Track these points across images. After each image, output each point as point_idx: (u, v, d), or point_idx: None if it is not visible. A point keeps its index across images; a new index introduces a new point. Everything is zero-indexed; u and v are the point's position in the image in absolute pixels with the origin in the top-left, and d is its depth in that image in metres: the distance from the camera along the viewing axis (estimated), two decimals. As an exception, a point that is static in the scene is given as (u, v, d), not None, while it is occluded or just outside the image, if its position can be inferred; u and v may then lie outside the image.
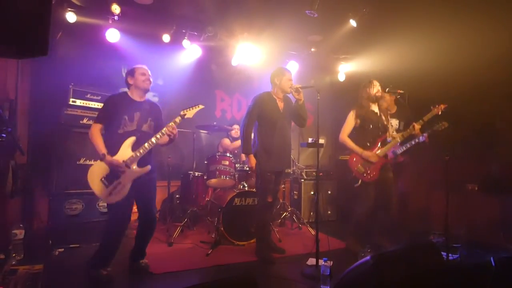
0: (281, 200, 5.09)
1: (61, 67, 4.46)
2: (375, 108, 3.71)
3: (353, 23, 4.59)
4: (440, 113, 3.60)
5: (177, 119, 2.94)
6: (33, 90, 4.27)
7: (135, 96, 2.99)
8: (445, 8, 3.96)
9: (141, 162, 2.88)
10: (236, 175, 4.24)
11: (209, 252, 3.60)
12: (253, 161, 3.46)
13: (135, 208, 4.53)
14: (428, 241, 3.94)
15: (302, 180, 5.44)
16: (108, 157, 2.73)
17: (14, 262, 3.09)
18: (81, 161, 3.80)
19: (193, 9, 4.66)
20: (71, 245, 3.61)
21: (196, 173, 4.58)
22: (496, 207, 3.96)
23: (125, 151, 2.82)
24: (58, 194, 3.66)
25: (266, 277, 3.06)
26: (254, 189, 4.17)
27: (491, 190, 4.05)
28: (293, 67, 5.93)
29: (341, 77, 6.32)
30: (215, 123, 4.71)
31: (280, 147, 3.51)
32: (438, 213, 4.29)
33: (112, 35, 4.60)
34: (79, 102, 3.93)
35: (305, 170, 5.62)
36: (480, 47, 3.80)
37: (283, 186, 5.25)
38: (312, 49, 5.88)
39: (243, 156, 4.75)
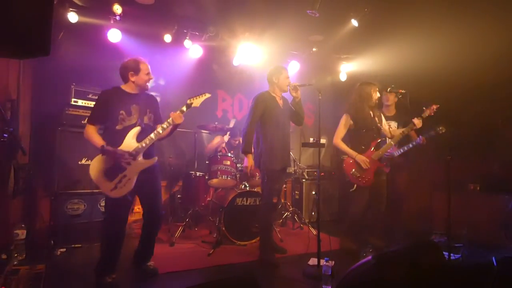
0: (282, 200, 5.09)
1: (63, 67, 4.46)
2: (369, 111, 3.69)
3: (354, 23, 4.58)
4: (433, 114, 3.59)
5: (184, 108, 2.86)
6: (35, 90, 4.28)
7: (130, 90, 2.85)
8: (447, 8, 3.96)
9: (146, 155, 2.77)
10: (238, 175, 4.24)
11: (211, 252, 3.60)
12: (250, 161, 3.43)
13: (135, 208, 4.53)
14: (430, 241, 3.93)
15: (303, 180, 5.44)
16: (108, 147, 2.58)
17: (16, 262, 3.10)
18: (83, 161, 3.81)
19: (194, 9, 4.66)
20: (73, 245, 3.63)
21: (198, 173, 4.58)
22: (498, 206, 3.95)
23: (130, 142, 2.69)
24: (60, 194, 3.66)
25: (267, 277, 3.07)
26: (255, 189, 4.17)
27: (492, 190, 4.04)
28: (295, 67, 5.94)
29: (343, 77, 6.32)
30: (216, 123, 4.72)
31: (283, 144, 3.51)
32: (440, 213, 4.29)
33: (114, 35, 4.61)
34: (81, 102, 3.94)
35: (306, 170, 5.62)
36: (481, 47, 3.80)
37: (284, 186, 5.24)
38: (314, 49, 5.87)
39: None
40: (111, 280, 2.73)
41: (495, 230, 3.89)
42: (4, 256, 3.11)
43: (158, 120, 2.98)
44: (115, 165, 2.64)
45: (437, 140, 3.80)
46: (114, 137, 2.68)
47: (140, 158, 2.73)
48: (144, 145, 2.71)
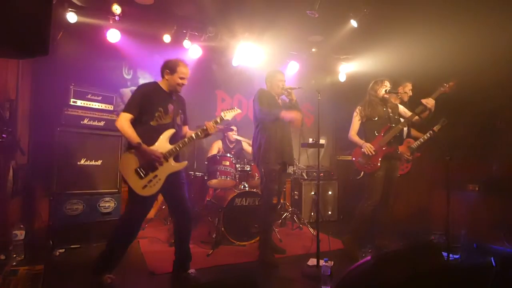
0: (282, 201, 5.09)
1: (62, 67, 4.47)
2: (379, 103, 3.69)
3: (354, 23, 4.59)
4: (448, 91, 3.41)
5: (218, 120, 2.98)
6: (34, 90, 4.28)
7: (165, 87, 2.88)
8: (446, 9, 3.96)
9: (176, 158, 2.81)
10: (237, 176, 4.24)
11: (210, 252, 3.59)
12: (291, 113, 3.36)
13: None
14: (429, 241, 3.93)
15: (302, 180, 5.44)
16: (145, 147, 2.60)
17: (14, 263, 3.09)
18: (82, 162, 3.80)
19: (194, 9, 4.66)
20: (72, 246, 3.61)
21: (197, 173, 4.58)
22: (497, 207, 3.95)
23: (164, 144, 2.73)
24: (58, 194, 3.65)
25: (266, 278, 3.07)
26: (254, 189, 4.17)
27: (492, 191, 4.04)
28: (294, 67, 5.95)
29: (342, 78, 6.33)
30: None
31: (283, 142, 3.50)
32: (439, 213, 4.29)
33: (113, 35, 4.61)
34: (80, 103, 3.93)
35: (305, 170, 5.62)
36: (481, 47, 3.80)
37: (284, 186, 5.25)
38: (313, 50, 5.88)
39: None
40: (110, 281, 2.70)
41: (494, 230, 3.89)
42: (2, 257, 3.10)
43: (185, 121, 3.06)
44: (148, 163, 2.65)
45: (437, 140, 3.80)
46: (148, 133, 2.70)
47: (171, 160, 2.76)
48: (178, 148, 2.77)
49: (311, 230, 4.62)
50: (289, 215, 5.02)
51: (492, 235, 3.88)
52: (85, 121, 3.89)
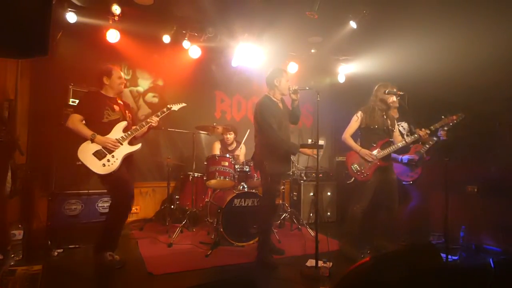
0: (280, 201, 5.09)
1: (61, 67, 4.46)
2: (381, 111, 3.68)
3: (353, 24, 4.59)
4: (452, 123, 3.58)
5: (165, 109, 3.36)
6: (33, 90, 4.27)
7: (109, 93, 3.20)
8: (445, 11, 3.97)
9: (131, 142, 3.15)
10: (236, 176, 4.23)
11: (209, 253, 3.59)
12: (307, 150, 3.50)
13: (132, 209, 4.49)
14: (428, 242, 3.94)
15: (301, 181, 5.44)
16: (99, 136, 2.92)
17: (12, 263, 3.08)
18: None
19: (193, 9, 4.66)
20: (70, 246, 3.61)
21: (196, 174, 4.58)
22: (496, 209, 3.96)
23: (117, 133, 3.08)
24: (57, 194, 3.66)
25: (265, 278, 3.06)
26: (253, 190, 4.17)
27: (490, 192, 4.04)
28: (293, 68, 5.95)
29: (341, 79, 6.34)
30: (215, 124, 4.71)
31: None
32: (437, 215, 4.29)
33: (112, 36, 4.61)
34: (79, 103, 3.93)
35: (304, 171, 5.62)
36: (480, 49, 3.81)
37: (282, 187, 5.26)
38: (312, 50, 5.89)
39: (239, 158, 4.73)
40: (111, 258, 2.95)
41: (493, 232, 3.90)
42: (0, 257, 3.09)
43: (134, 123, 3.34)
44: (104, 147, 2.98)
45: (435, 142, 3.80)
46: (101, 127, 3.02)
47: (126, 143, 3.10)
48: (130, 133, 3.12)
49: (310, 231, 4.62)
50: (288, 216, 5.02)
51: (491, 237, 3.89)
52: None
